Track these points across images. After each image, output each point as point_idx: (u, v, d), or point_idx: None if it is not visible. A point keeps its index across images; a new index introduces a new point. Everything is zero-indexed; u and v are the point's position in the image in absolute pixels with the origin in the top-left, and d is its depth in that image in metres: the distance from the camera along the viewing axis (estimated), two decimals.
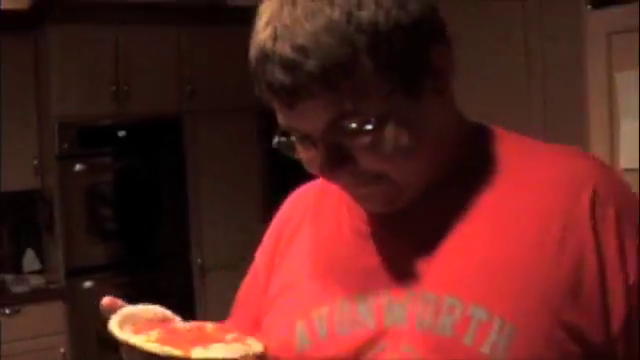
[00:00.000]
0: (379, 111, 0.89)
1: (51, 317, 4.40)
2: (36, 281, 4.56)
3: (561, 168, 0.97)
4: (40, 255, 4.79)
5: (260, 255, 1.20)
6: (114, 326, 0.96)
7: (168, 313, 1.04)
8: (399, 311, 0.96)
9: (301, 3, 0.87)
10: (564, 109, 3.17)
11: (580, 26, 2.57)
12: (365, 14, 0.86)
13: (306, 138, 0.94)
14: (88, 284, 4.46)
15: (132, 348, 0.93)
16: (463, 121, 1.04)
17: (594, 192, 0.93)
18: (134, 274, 4.61)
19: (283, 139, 0.97)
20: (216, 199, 4.89)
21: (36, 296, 4.40)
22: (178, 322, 1.02)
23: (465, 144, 1.02)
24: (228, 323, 1.19)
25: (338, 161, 0.92)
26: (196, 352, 0.92)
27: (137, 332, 0.96)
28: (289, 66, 0.86)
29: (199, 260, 4.85)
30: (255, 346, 0.98)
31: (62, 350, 4.39)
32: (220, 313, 1.26)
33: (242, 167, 4.98)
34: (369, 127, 0.89)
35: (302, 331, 1.02)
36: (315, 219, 1.12)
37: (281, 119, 0.94)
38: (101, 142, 4.58)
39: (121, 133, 4.62)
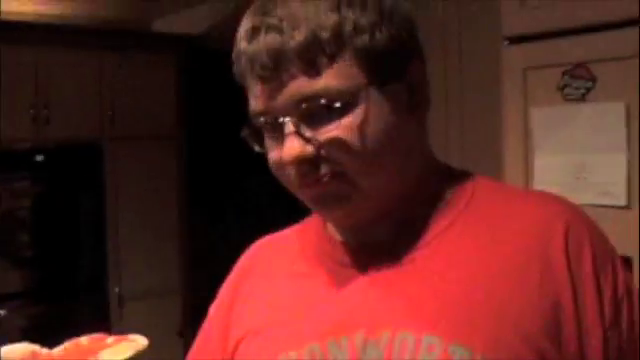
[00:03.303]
0: (352, 97, 0.90)
1: None
2: None
3: (535, 210, 0.97)
4: None
5: (216, 309, 1.15)
6: None
7: (36, 347, 0.96)
8: (374, 352, 0.90)
9: None
10: (481, 143, 3.24)
11: (498, 62, 2.63)
12: (352, 11, 0.90)
13: (276, 123, 0.92)
14: (0, 312, 4.32)
15: None
16: (434, 158, 1.04)
17: (566, 233, 0.93)
18: (49, 303, 4.48)
19: (251, 129, 0.96)
20: (135, 228, 4.81)
21: None
22: (48, 352, 0.96)
23: (438, 181, 1.01)
24: None
25: (302, 146, 0.90)
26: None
27: None
28: (275, 40, 0.89)
29: (117, 289, 4.74)
30: (140, 340, 0.95)
31: None
32: None
33: (161, 196, 4.92)
34: (337, 105, 0.89)
35: None
36: (277, 269, 1.08)
37: (254, 103, 0.94)
38: (19, 166, 4.46)
39: (39, 157, 4.52)
